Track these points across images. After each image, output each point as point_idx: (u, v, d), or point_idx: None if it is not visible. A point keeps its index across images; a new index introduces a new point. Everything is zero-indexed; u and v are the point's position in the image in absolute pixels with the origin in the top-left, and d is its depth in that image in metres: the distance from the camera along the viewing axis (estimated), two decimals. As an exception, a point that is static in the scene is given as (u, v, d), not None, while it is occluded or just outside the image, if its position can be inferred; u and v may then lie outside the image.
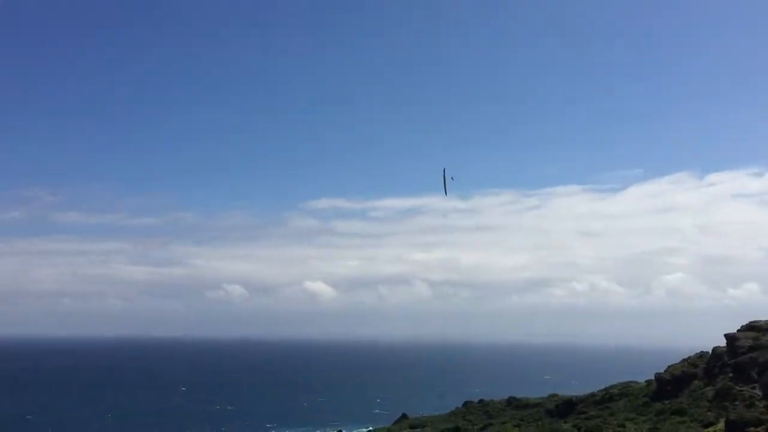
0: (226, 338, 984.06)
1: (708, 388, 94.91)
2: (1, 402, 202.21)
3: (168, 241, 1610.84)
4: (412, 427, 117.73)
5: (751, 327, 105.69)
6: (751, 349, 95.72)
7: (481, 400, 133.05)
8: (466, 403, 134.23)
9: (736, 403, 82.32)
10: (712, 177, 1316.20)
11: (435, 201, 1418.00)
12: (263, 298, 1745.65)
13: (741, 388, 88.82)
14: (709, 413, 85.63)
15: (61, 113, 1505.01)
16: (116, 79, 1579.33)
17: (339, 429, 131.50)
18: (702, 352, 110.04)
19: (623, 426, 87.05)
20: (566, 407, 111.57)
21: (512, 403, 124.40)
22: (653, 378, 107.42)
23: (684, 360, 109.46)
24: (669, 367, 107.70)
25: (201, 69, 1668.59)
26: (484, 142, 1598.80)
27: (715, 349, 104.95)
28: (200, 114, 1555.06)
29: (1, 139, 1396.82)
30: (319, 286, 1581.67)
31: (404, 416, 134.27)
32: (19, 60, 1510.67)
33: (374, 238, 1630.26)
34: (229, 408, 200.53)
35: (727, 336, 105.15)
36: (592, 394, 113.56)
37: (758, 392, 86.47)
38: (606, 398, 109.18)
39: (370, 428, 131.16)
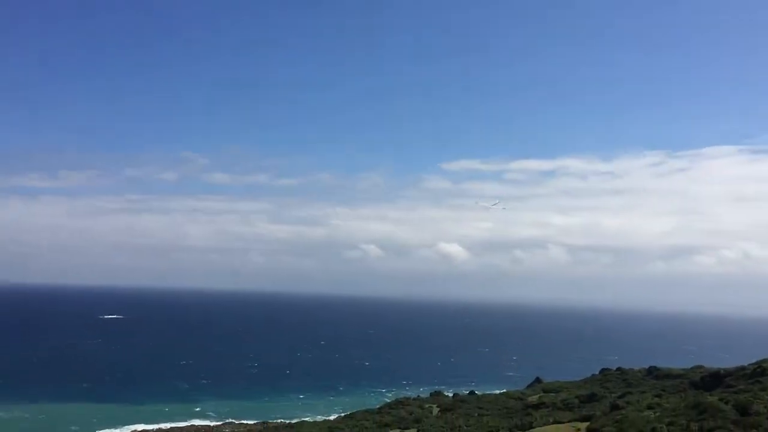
0: (362, 296, 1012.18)
1: None
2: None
3: (307, 201, 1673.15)
4: (545, 392, 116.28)
5: None
6: None
7: (619, 368, 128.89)
8: (603, 371, 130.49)
9: None
10: None
11: (574, 163, 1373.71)
12: (398, 259, 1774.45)
13: None
14: None
15: (216, 85, 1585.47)
16: (263, 56, 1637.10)
17: (471, 389, 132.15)
18: None
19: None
20: (713, 380, 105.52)
21: (653, 372, 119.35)
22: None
23: None
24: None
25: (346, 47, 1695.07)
26: (628, 103, 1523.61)
27: None
28: (339, 85, 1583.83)
29: (160, 108, 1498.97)
30: (453, 248, 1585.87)
31: (538, 380, 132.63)
32: (180, 38, 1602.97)
33: (510, 200, 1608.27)
34: (366, 364, 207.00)
35: None
36: (742, 368, 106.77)
37: None
38: (758, 372, 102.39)
39: (504, 390, 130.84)
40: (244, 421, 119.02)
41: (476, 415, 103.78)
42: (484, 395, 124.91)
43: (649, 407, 79.67)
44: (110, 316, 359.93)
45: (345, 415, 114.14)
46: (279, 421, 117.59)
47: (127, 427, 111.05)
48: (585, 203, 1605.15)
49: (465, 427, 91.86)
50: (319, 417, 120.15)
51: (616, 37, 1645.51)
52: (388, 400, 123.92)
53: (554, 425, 78.86)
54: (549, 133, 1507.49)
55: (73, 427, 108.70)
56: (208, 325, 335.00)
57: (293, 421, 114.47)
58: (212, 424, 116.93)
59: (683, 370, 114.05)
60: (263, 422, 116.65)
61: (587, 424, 74.36)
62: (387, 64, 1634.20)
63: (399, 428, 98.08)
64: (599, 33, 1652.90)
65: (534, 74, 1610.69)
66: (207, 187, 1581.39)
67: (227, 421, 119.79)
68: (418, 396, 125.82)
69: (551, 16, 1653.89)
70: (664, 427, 62.75)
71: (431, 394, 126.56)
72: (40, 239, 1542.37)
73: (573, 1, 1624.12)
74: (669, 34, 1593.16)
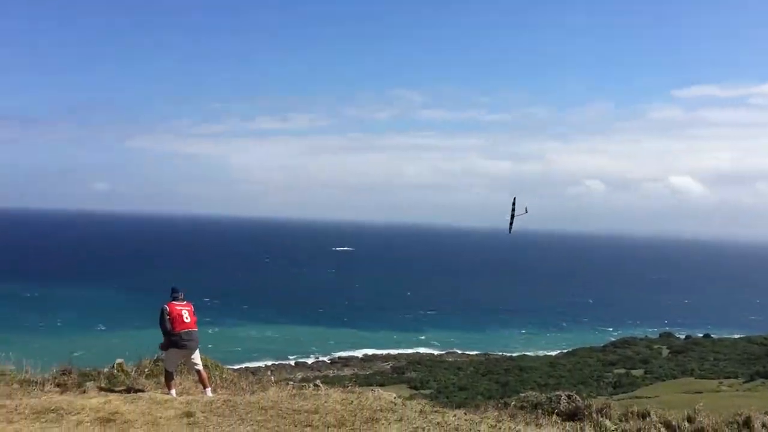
0: (582, 232, 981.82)
1: None
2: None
3: (521, 135, 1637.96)
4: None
5: None
6: None
7: None
8: None
9: None
10: None
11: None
12: (624, 194, 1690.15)
13: None
14: None
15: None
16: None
17: (707, 332, 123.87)
18: None
19: None
20: None
21: None
22: None
23: None
24: None
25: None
26: None
27: None
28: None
29: (371, 47, 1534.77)
30: (685, 182, 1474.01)
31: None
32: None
33: (752, 127, 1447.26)
34: (589, 301, 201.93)
35: None
36: None
37: None
38: None
39: (743, 335, 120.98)
40: (467, 352, 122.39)
41: (711, 359, 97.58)
42: (720, 339, 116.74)
43: None
44: (341, 248, 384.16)
45: (567, 352, 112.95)
46: (500, 354, 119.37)
47: (359, 350, 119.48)
48: None
49: (699, 371, 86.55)
50: (541, 352, 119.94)
51: None
52: (614, 339, 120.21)
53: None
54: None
55: (313, 347, 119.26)
56: (427, 259, 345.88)
57: (514, 354, 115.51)
58: (436, 352, 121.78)
59: None
60: (485, 354, 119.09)
61: None
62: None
63: (624, 368, 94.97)
64: None
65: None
66: (420, 123, 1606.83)
67: (450, 350, 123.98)
68: (646, 336, 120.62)
69: None
70: None
71: (660, 335, 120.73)
72: (271, 178, 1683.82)
73: None
74: None
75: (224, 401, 14.90)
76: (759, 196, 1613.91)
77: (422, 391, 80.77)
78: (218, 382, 17.83)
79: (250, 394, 16.38)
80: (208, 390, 16.32)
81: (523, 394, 18.38)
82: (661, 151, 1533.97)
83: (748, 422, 15.62)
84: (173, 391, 16.01)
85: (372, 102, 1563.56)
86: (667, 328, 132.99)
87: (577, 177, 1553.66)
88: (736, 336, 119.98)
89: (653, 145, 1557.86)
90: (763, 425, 15.61)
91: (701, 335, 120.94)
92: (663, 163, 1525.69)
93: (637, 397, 62.11)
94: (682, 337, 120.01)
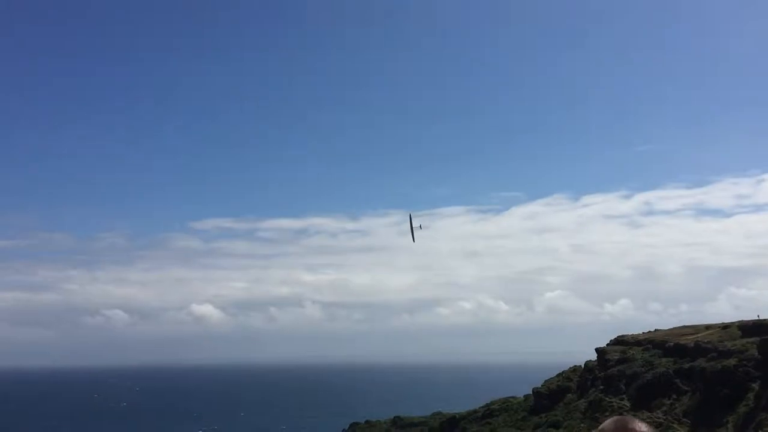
0: (108, 366, 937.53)
1: (581, 401, 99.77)
2: None
3: (36, 264, 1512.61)
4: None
5: (619, 341, 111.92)
6: (619, 362, 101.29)
7: (367, 421, 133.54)
8: (352, 425, 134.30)
9: (606, 414, 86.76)
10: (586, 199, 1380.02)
11: (324, 222, 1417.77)
12: (147, 323, 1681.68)
13: (611, 400, 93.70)
14: (582, 425, 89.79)
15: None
16: None
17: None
18: (575, 366, 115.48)
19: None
20: (450, 424, 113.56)
21: (397, 422, 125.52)
22: (531, 392, 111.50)
23: (559, 374, 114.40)
24: (545, 381, 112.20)
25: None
26: (374, 162, 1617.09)
27: (587, 363, 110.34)
28: (66, 130, 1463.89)
29: None
30: (206, 309, 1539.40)
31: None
32: None
33: (262, 258, 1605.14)
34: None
35: (597, 350, 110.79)
36: (474, 411, 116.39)
37: (627, 403, 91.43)
38: (487, 414, 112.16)
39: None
40: None
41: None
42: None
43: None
44: None
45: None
46: None
47: None
48: (335, 260, 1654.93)
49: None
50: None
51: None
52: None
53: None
54: (299, 192, 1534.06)
55: None
56: None
57: None
58: None
59: (424, 417, 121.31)
60: None
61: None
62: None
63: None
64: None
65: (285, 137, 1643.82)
66: None
67: None
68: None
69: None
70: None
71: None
72: None
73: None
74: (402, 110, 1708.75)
75: None
76: (272, 320, 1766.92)
77: None
78: None
79: None
80: None
81: None
82: (183, 280, 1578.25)
83: None
84: None
85: None
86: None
87: (97, 306, 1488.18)
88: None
89: (176, 275, 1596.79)
90: None
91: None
92: (185, 291, 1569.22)
93: None
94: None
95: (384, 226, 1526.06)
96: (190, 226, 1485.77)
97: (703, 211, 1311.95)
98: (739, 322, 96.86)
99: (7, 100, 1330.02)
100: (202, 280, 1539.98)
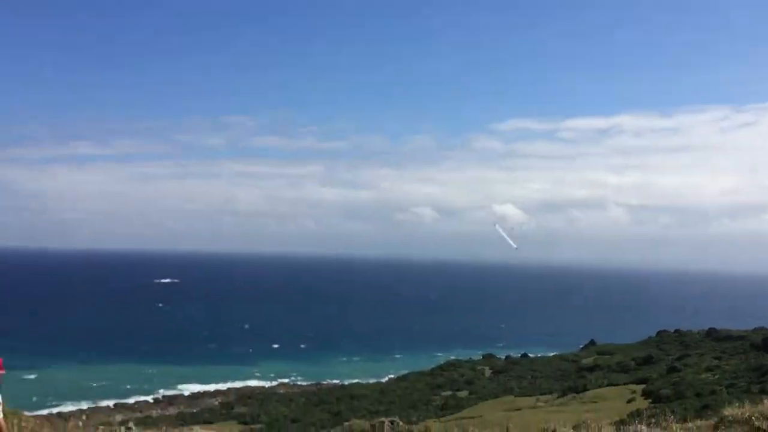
0: (416, 259, 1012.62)
1: None
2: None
3: (356, 164, 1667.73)
4: (600, 354, 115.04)
5: None
6: None
7: (677, 330, 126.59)
8: (660, 333, 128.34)
9: None
10: None
11: (630, 120, 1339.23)
12: (451, 221, 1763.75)
13: None
14: None
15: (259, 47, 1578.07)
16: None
17: (524, 352, 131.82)
18: None
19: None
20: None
21: (712, 334, 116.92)
22: None
23: None
24: None
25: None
26: (686, 58, 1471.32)
27: None
28: (375, 46, 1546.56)
29: (204, 74, 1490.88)
30: (507, 209, 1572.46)
31: (592, 342, 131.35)
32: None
33: (563, 159, 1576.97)
34: (419, 327, 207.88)
35: None
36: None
37: None
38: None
39: (556, 353, 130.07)
40: (299, 383, 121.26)
41: (529, 377, 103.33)
42: (537, 358, 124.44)
43: (708, 369, 77.65)
44: (165, 281, 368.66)
45: (398, 377, 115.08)
46: (333, 382, 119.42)
47: (186, 387, 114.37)
48: (643, 161, 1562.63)
49: (518, 389, 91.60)
50: (372, 379, 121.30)
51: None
52: (441, 363, 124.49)
53: (609, 387, 77.78)
54: (605, 88, 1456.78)
55: (134, 386, 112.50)
56: (258, 288, 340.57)
57: (346, 383, 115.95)
58: (267, 384, 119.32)
59: (744, 331, 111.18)
60: (317, 383, 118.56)
61: (643, 386, 73.13)
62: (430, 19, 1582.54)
63: (451, 390, 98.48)
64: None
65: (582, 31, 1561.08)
66: (254, 150, 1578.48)
67: (281, 381, 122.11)
68: (470, 358, 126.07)
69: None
70: (724, 389, 61.19)
71: (483, 357, 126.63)
72: (90, 206, 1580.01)
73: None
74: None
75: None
76: (572, 222, 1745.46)
77: (252, 427, 78.63)
78: (15, 431, 16.25)
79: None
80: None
81: (347, 423, 18.41)
82: (484, 180, 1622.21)
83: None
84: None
85: (203, 127, 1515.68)
86: (489, 350, 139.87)
87: (407, 204, 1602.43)
88: (551, 354, 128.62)
89: (478, 175, 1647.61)
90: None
91: (519, 355, 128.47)
92: (486, 191, 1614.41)
93: (461, 418, 64.38)
94: (503, 357, 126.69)
95: (700, 123, 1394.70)
96: (491, 127, 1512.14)
97: None
98: None
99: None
100: (502, 181, 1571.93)
